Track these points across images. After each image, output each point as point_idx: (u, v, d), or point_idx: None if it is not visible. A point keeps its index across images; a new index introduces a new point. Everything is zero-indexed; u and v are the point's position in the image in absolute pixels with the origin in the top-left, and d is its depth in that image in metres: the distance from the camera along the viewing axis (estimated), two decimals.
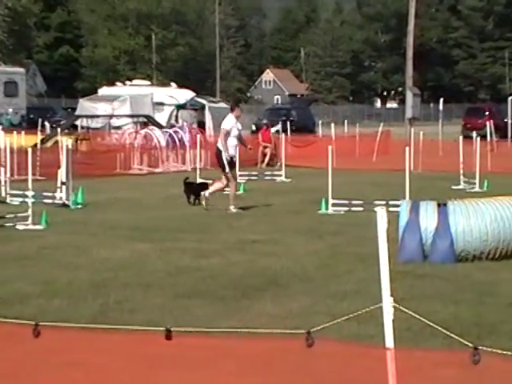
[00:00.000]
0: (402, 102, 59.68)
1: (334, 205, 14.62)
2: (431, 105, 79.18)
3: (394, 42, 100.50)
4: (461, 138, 21.96)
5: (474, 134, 23.25)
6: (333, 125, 31.81)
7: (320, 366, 3.79)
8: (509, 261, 9.39)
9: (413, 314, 4.28)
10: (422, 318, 4.33)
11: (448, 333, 4.11)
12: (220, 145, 15.00)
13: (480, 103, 78.93)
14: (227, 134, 14.86)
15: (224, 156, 14.82)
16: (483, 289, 8.06)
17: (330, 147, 15.47)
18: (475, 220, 9.60)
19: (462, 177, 19.82)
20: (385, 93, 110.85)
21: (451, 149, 25.43)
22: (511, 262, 9.34)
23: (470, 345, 3.54)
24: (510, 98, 45.67)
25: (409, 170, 14.94)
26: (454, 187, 19.31)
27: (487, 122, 31.11)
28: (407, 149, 15.42)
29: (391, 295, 4.23)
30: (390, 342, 3.77)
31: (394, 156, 25.83)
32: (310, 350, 3.62)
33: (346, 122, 39.20)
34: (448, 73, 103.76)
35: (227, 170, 14.86)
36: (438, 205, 9.87)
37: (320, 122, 40.81)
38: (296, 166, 25.65)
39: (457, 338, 3.94)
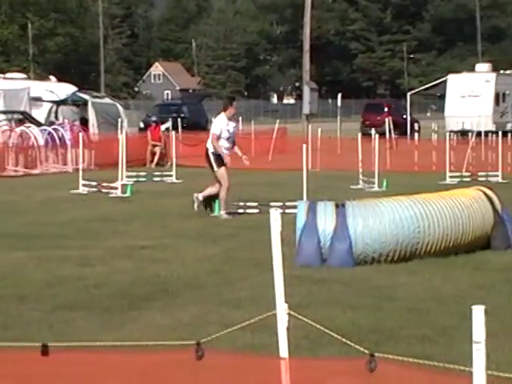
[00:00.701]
0: (300, 97, 60.53)
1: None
2: (329, 100, 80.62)
3: (290, 34, 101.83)
4: (359, 135, 22.46)
5: (373, 131, 23.80)
6: None
7: (210, 379, 3.81)
8: (407, 263, 9.66)
9: (309, 321, 4.35)
10: (318, 326, 4.40)
11: (344, 340, 4.20)
12: (209, 144, 14.33)
13: (379, 99, 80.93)
14: (218, 138, 14.20)
15: (211, 155, 14.16)
16: (382, 293, 8.26)
17: None
18: (374, 221, 9.83)
19: (360, 176, 20.26)
20: (281, 88, 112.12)
21: (350, 146, 25.97)
22: (409, 265, 9.60)
23: (366, 352, 3.62)
24: (408, 94, 46.98)
25: (306, 169, 15.15)
26: (352, 187, 19.71)
27: (386, 119, 31.96)
28: (304, 147, 15.64)
29: (286, 302, 4.29)
30: (284, 351, 3.82)
31: (291, 154, 26.18)
32: (201, 363, 3.63)
33: (240, 118, 39.46)
34: (346, 67, 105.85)
35: (216, 168, 14.17)
36: (337, 205, 10.04)
37: (213, 118, 40.88)
38: (188, 166, 25.62)
39: (353, 345, 4.03)
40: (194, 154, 29.84)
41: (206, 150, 14.40)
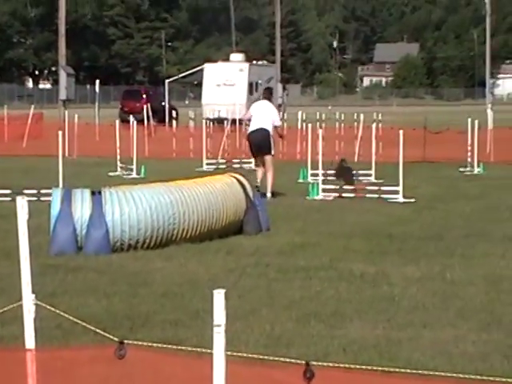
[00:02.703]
0: (56, 82, 59.12)
1: None
2: (87, 86, 79.44)
3: (45, 17, 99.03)
4: (117, 121, 22.32)
5: (132, 117, 23.75)
6: None
7: None
8: (163, 249, 9.76)
9: (57, 311, 4.26)
10: (66, 315, 4.33)
11: (94, 328, 4.16)
12: (269, 127, 15.26)
13: (138, 85, 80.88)
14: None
15: (271, 139, 15.36)
16: (138, 279, 8.29)
17: None
18: (130, 208, 9.82)
19: (118, 163, 20.16)
20: (37, 72, 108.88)
21: (108, 133, 25.72)
22: (165, 250, 9.70)
23: (116, 339, 3.61)
24: (167, 81, 47.31)
25: (62, 155, 14.87)
26: (110, 174, 19.59)
27: (144, 106, 31.98)
28: (60, 133, 15.33)
29: (37, 291, 4.19)
30: (30, 342, 3.72)
31: (47, 141, 25.50)
32: None
33: None
34: (104, 52, 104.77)
35: (272, 153, 15.43)
36: (93, 193, 9.93)
37: None
38: None
39: (102, 333, 4.00)
40: None
41: (267, 132, 15.22)
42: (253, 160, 18.14)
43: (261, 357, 4.08)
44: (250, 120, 15.68)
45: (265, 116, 15.35)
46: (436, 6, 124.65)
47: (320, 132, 17.10)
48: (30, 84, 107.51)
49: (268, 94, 16.06)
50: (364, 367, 3.55)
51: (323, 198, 14.98)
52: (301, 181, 18.19)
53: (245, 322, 6.64)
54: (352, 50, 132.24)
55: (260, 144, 15.27)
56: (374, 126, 19.07)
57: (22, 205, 4.02)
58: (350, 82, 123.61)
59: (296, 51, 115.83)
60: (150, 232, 9.85)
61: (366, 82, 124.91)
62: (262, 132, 15.25)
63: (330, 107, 40.45)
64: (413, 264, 9.04)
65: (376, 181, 17.41)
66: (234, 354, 3.39)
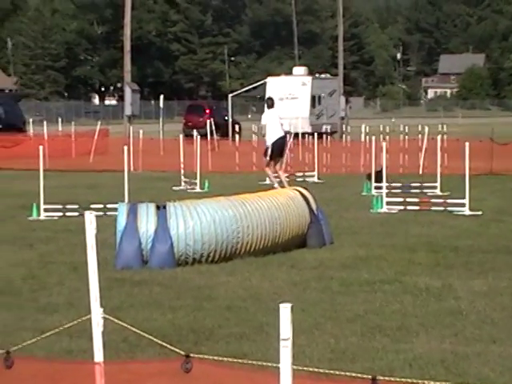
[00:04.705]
0: (122, 98, 59.95)
1: (46, 210, 14.34)
2: (152, 102, 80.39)
3: (110, 34, 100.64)
4: (181, 136, 22.54)
5: (195, 132, 23.94)
6: (45, 122, 31.17)
7: None
8: (227, 263, 9.79)
9: (125, 324, 4.31)
10: (134, 329, 4.38)
11: (160, 342, 4.20)
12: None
13: (201, 100, 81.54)
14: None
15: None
16: (202, 293, 8.33)
17: (41, 147, 15.17)
18: (194, 222, 9.89)
19: (182, 177, 20.33)
20: (103, 88, 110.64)
21: (172, 148, 25.98)
22: (229, 264, 9.73)
23: (182, 353, 3.64)
24: (230, 96, 47.60)
25: (128, 170, 15.05)
26: (174, 188, 19.76)
27: (208, 121, 32.23)
28: (126, 148, 15.53)
29: (104, 305, 4.24)
30: (99, 355, 3.78)
31: (113, 156, 25.88)
32: (10, 371, 3.52)
33: (60, 119, 38.57)
34: (168, 68, 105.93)
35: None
36: (158, 207, 10.02)
37: (31, 119, 39.82)
38: (3, 169, 24.81)
39: (169, 346, 4.04)
40: (10, 155, 28.97)
41: (285, 139, 18.54)
42: (316, 173, 18.48)
43: (326, 371, 4.07)
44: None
45: (280, 124, 18.06)
46: (503, 15, 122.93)
47: (384, 144, 16.99)
48: (97, 100, 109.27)
49: (272, 103, 18.40)
50: (431, 383, 3.51)
51: (387, 211, 14.88)
52: (364, 194, 18.09)
53: (309, 336, 6.62)
54: (416, 61, 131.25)
55: (283, 149, 18.17)
56: (439, 137, 18.88)
57: (90, 220, 4.10)
58: (413, 94, 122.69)
59: (359, 64, 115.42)
60: (213, 246, 9.90)
61: (431, 93, 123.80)
62: (284, 139, 18.32)
63: (393, 120, 40.18)
64: (480, 278, 8.91)
65: (441, 193, 17.24)
66: (300, 368, 3.38)
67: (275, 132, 17.82)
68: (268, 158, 17.94)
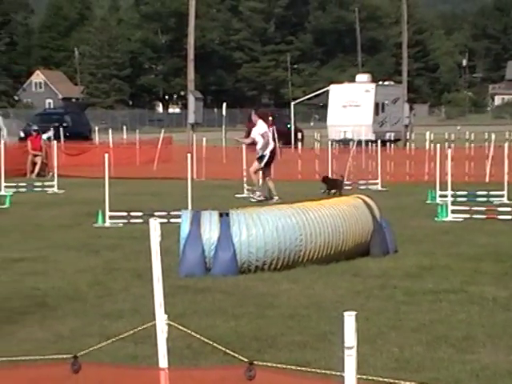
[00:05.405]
0: (185, 106, 60.44)
1: (111, 217, 14.52)
2: (215, 109, 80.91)
3: (174, 43, 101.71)
4: (244, 144, 22.58)
5: None
6: (110, 131, 31.62)
7: None
8: (289, 271, 9.78)
9: (189, 331, 4.34)
10: (198, 336, 4.41)
11: (224, 349, 4.22)
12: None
13: (263, 108, 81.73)
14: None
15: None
16: (265, 301, 8.34)
17: (106, 155, 15.37)
18: (257, 230, 9.91)
19: (245, 185, 20.40)
20: (166, 97, 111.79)
21: (235, 156, 26.09)
22: (292, 272, 9.72)
23: (246, 360, 3.65)
24: (292, 103, 47.63)
25: (191, 178, 15.17)
26: (237, 195, 19.83)
27: (270, 128, 32.26)
28: (189, 156, 15.65)
29: (169, 312, 4.28)
30: (163, 361, 3.81)
31: (176, 164, 26.11)
32: (77, 376, 3.58)
33: (124, 127, 39.08)
34: (231, 76, 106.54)
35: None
36: (220, 214, 10.07)
37: (96, 128, 40.42)
38: (70, 176, 25.22)
39: (232, 353, 4.05)
40: (77, 163, 29.43)
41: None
42: (379, 181, 18.24)
43: (391, 380, 4.04)
44: (254, 143, 19.04)
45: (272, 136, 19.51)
46: None
47: (449, 152, 16.80)
48: (160, 109, 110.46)
49: (264, 115, 20.23)
50: None
51: (452, 220, 14.69)
52: (429, 202, 17.90)
53: (373, 345, 6.58)
54: (482, 68, 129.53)
55: (273, 160, 19.23)
56: (506, 145, 18.59)
57: (154, 226, 4.14)
58: (479, 100, 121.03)
59: (423, 71, 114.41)
60: (276, 254, 9.91)
61: (498, 100, 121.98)
62: (275, 152, 19.80)
63: (458, 127, 39.69)
64: None
65: (509, 202, 16.96)
66: (364, 377, 3.36)
67: (270, 143, 18.96)
68: (262, 165, 18.84)
